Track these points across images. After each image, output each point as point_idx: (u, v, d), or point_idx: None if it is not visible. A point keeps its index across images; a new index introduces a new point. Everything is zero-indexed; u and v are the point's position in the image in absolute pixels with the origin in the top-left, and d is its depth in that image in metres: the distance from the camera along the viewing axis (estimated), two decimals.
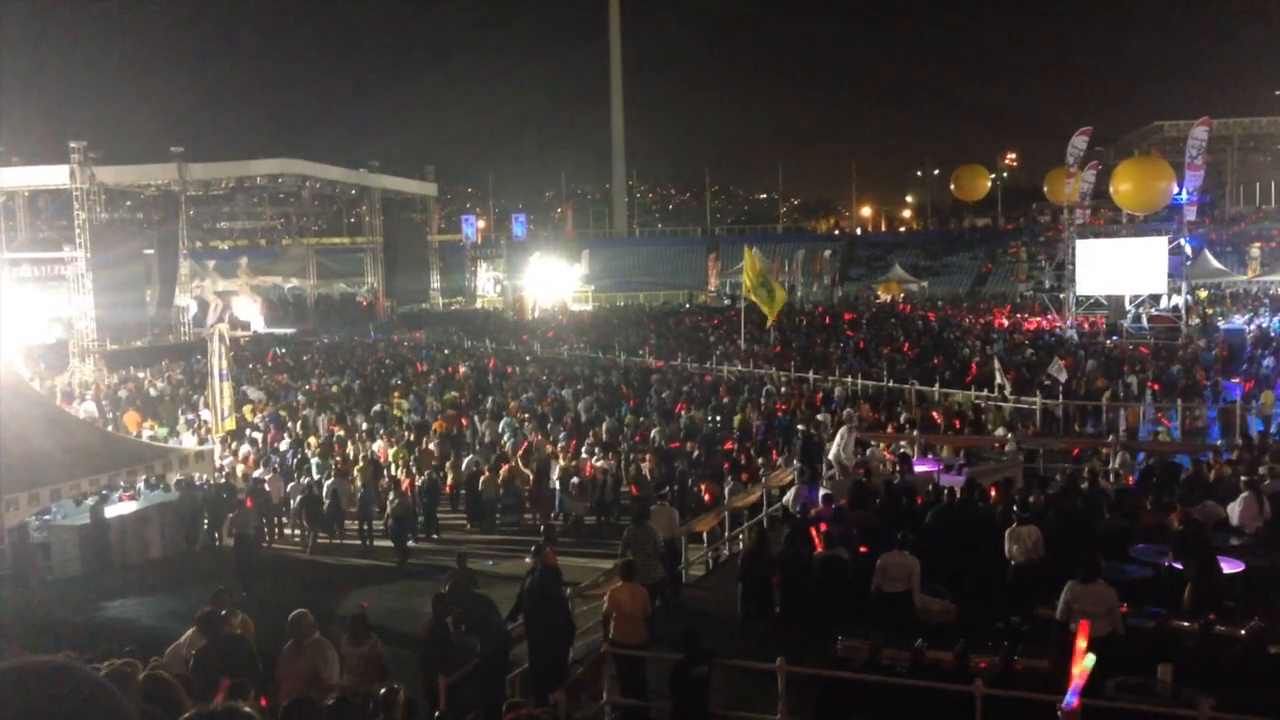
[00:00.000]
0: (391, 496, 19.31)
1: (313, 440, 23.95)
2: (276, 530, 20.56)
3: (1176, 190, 40.94)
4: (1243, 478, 14.49)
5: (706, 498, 19.13)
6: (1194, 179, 41.94)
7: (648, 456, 20.96)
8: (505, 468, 20.78)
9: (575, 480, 20.02)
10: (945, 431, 21.87)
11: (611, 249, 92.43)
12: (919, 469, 17.38)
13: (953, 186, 79.15)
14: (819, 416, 23.72)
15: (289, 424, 26.33)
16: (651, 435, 22.86)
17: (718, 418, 25.36)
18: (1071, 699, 7.48)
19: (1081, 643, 7.84)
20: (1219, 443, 19.28)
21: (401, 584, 16.94)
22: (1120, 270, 40.08)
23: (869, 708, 8.95)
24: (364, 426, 25.40)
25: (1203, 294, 52.92)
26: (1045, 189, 59.02)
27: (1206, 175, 46.25)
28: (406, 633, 12.61)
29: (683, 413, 25.15)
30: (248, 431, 25.40)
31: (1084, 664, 7.64)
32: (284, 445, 24.06)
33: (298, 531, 20.34)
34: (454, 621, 10.38)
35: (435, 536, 19.92)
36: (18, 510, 14.95)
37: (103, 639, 11.16)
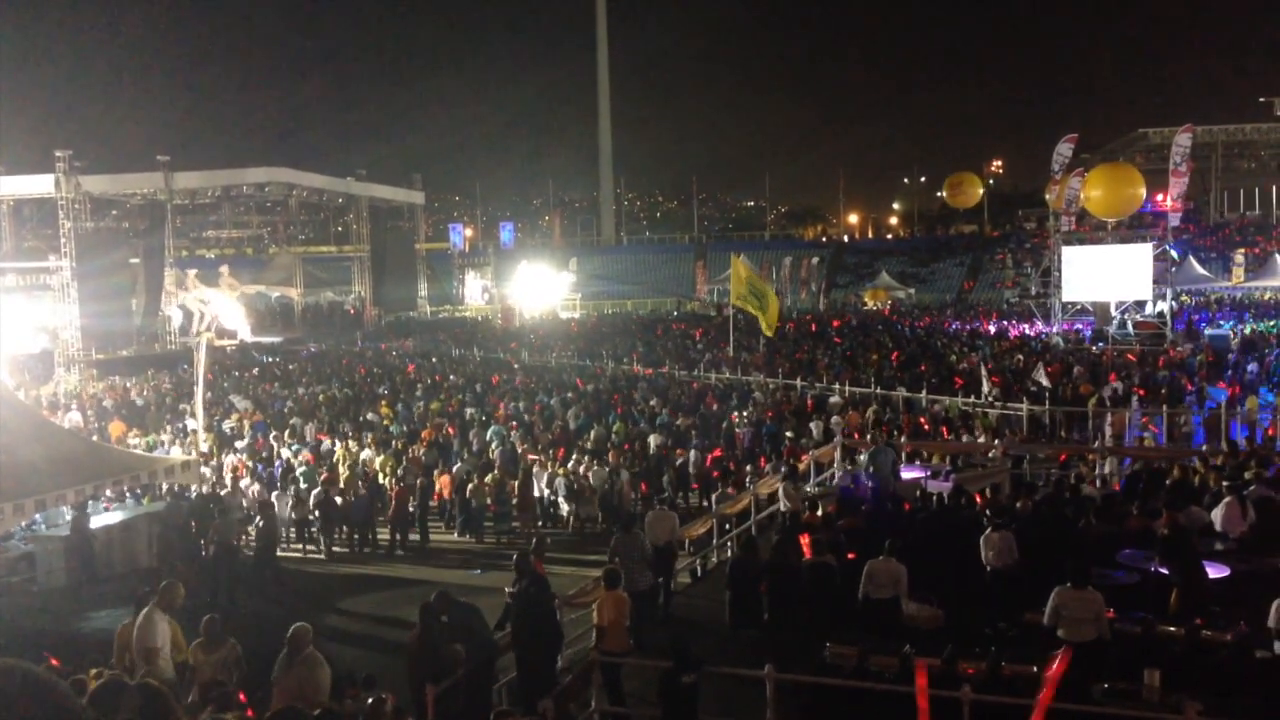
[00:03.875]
0: (258, 519, 18.46)
1: (341, 443, 23.85)
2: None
3: (1146, 196, 41.14)
4: (1224, 483, 14.55)
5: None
6: (1178, 186, 42.15)
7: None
8: (490, 475, 20.77)
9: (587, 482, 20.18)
10: (932, 438, 21.94)
11: (599, 256, 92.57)
12: (906, 475, 17.42)
13: (945, 194, 79.50)
14: (811, 424, 23.76)
15: (275, 432, 26.23)
16: (649, 441, 22.93)
17: (748, 416, 25.33)
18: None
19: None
20: (1204, 448, 19.35)
21: (389, 593, 16.88)
22: (1106, 276, 40.27)
23: (857, 714, 8.95)
24: (351, 435, 25.33)
25: (1185, 299, 53.23)
26: (1047, 195, 59.20)
27: (1191, 182, 46.50)
28: (394, 642, 12.57)
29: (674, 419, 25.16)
30: (235, 441, 25.34)
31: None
32: (276, 454, 23.98)
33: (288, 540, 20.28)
34: (441, 630, 10.34)
35: (426, 545, 19.89)
36: (3, 521, 14.85)
37: (89, 650, 11.09)
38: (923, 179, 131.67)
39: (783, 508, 16.24)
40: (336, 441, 24.60)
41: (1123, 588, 11.24)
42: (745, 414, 25.48)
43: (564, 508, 20.58)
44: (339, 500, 19.95)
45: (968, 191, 76.37)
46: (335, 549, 19.83)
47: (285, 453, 23.70)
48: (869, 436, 20.01)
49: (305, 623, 9.35)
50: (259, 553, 17.54)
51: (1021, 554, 12.28)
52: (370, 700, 8.33)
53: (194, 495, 19.62)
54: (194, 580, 16.86)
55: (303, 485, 20.83)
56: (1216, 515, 13.43)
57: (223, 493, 20.23)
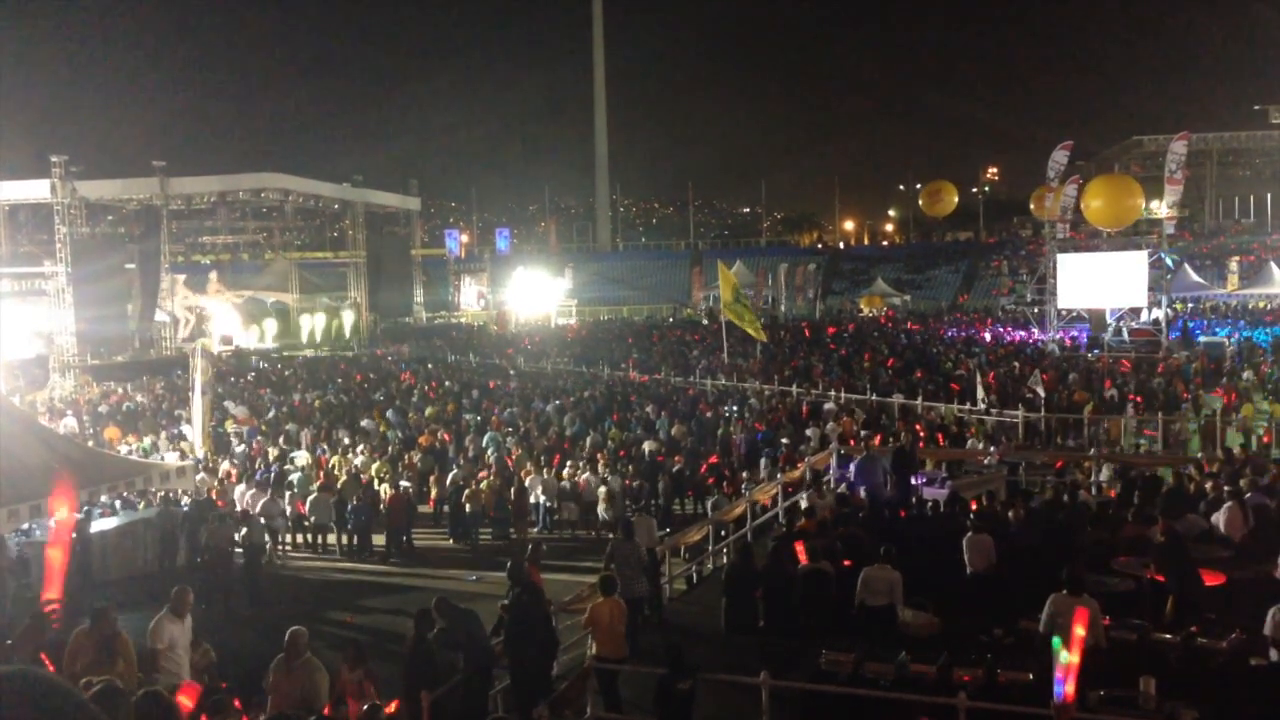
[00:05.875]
0: (243, 531, 17.61)
1: (302, 456, 23.76)
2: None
3: (1146, 206, 41.17)
4: (1225, 488, 14.57)
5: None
6: (1173, 193, 42.23)
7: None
8: (485, 481, 20.76)
9: (603, 490, 20.12)
10: (928, 445, 21.96)
11: (595, 263, 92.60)
12: None
13: (921, 202, 79.95)
14: (808, 431, 23.76)
15: (270, 438, 26.19)
16: (644, 447, 22.93)
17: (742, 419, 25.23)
18: (1060, 691, 7.45)
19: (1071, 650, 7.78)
20: (1199, 455, 19.37)
21: (384, 599, 16.87)
22: (1101, 284, 40.34)
23: None
24: (346, 441, 25.30)
25: (1180, 306, 53.37)
26: (1031, 206, 59.41)
27: (1186, 190, 46.56)
28: (390, 648, 12.53)
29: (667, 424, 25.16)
30: (233, 446, 25.30)
31: (1068, 657, 7.57)
32: (273, 460, 23.93)
33: (284, 547, 20.26)
34: (437, 637, 10.32)
35: (415, 550, 19.87)
36: None
37: None
38: (918, 186, 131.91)
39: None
40: (331, 448, 24.58)
41: (1118, 595, 11.25)
42: (735, 410, 25.54)
43: (560, 514, 20.56)
44: (336, 506, 19.91)
45: (944, 199, 77.01)
46: (331, 553, 19.81)
47: (299, 456, 23.64)
48: (868, 444, 20.04)
49: (302, 627, 9.34)
50: (247, 561, 17.49)
51: (1016, 560, 12.29)
52: (365, 707, 8.32)
53: (188, 501, 19.60)
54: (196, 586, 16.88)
55: (297, 491, 20.82)
56: (1219, 519, 13.43)
57: (216, 498, 20.20)
